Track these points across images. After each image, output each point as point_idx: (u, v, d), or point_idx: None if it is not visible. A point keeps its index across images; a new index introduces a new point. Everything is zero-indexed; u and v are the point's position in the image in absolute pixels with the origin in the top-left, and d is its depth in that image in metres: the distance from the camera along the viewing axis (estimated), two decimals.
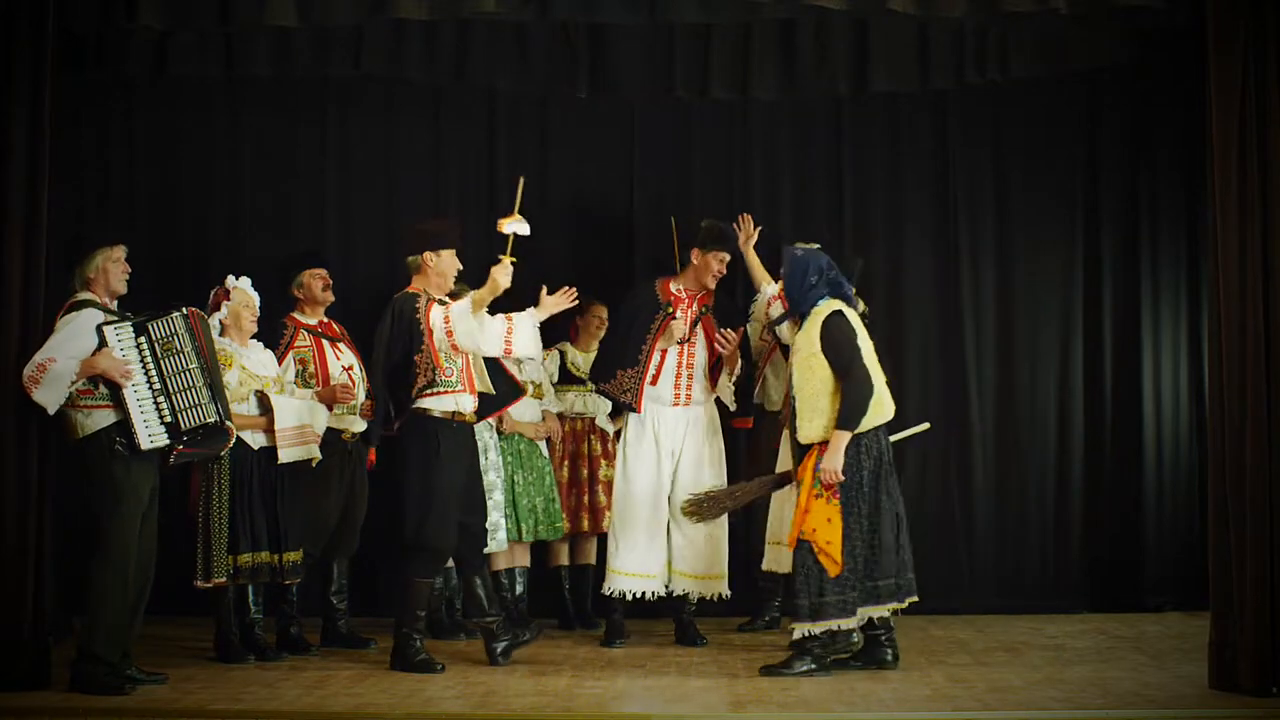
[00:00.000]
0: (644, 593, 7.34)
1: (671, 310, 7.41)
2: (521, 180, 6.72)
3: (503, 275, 6.58)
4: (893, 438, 6.94)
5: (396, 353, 6.70)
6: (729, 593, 7.39)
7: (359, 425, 7.39)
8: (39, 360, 5.97)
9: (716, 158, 8.79)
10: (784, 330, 6.72)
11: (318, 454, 7.01)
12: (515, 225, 6.65)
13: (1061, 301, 8.77)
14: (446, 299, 6.84)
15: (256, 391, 6.92)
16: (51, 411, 6.02)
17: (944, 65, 8.10)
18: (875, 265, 8.69)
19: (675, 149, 8.78)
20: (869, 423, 6.41)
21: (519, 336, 6.79)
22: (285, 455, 6.90)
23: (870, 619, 6.49)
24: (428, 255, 6.82)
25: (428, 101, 8.67)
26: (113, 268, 6.24)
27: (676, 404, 7.39)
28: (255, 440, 6.91)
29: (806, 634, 6.38)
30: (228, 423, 6.34)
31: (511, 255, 6.60)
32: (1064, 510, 8.68)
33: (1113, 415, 8.70)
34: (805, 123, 8.79)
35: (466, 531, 6.81)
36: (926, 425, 7.46)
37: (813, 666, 6.42)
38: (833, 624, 6.34)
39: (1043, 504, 8.70)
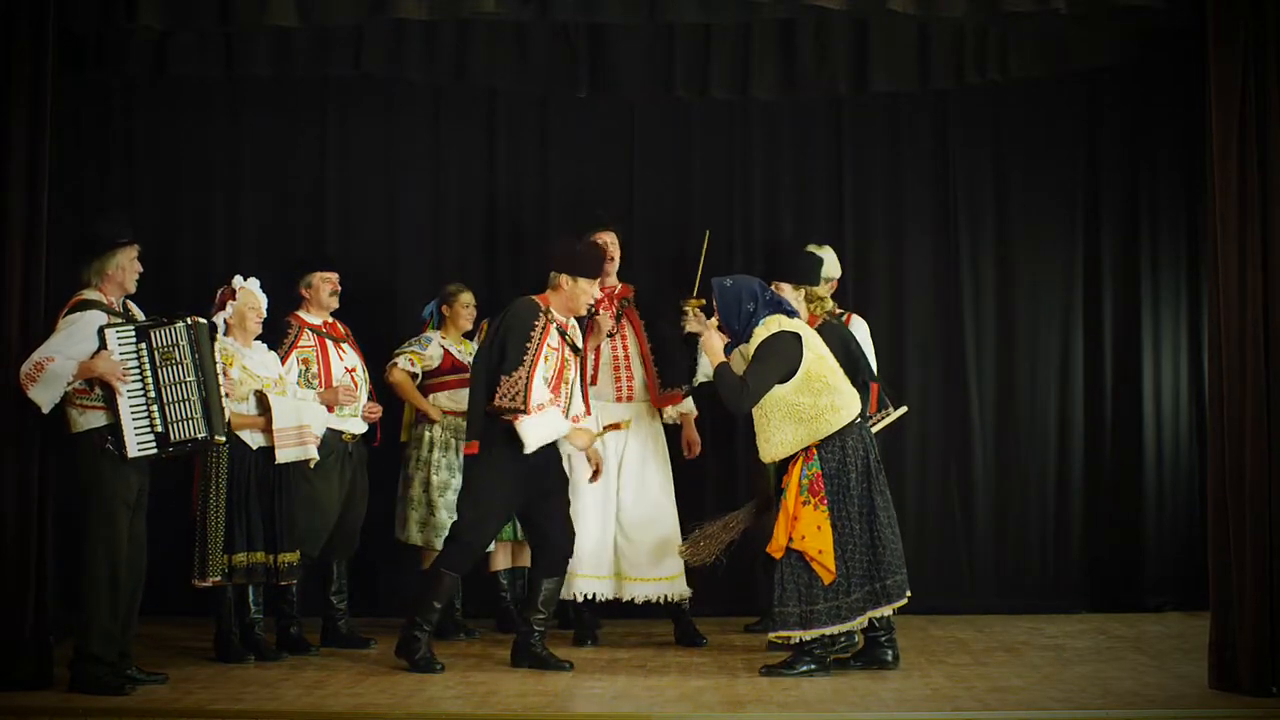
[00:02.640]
0: (595, 594, 7.29)
1: (595, 312, 7.44)
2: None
3: (582, 439, 6.83)
4: (874, 428, 6.95)
5: (494, 359, 6.60)
6: (689, 591, 7.37)
7: (359, 427, 7.39)
8: (37, 358, 5.96)
9: (716, 158, 8.78)
10: (736, 360, 6.70)
11: (315, 455, 7.00)
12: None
13: (1061, 301, 8.76)
14: (574, 324, 6.86)
15: (256, 391, 6.92)
16: (45, 410, 6.02)
17: (944, 65, 8.08)
18: (875, 265, 8.71)
19: (675, 149, 8.77)
20: (829, 428, 6.37)
21: (532, 429, 6.57)
22: (283, 456, 6.90)
23: (871, 620, 6.49)
24: (564, 278, 6.74)
25: (428, 101, 8.67)
26: (129, 266, 6.25)
27: (619, 400, 7.44)
28: (254, 440, 6.91)
29: (799, 641, 6.38)
30: (218, 436, 6.33)
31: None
32: (1064, 510, 8.67)
33: (1113, 415, 8.69)
34: (805, 123, 8.78)
35: (546, 540, 6.78)
36: (904, 409, 7.50)
37: (813, 667, 6.41)
38: (824, 631, 6.35)
39: (1043, 504, 8.69)
